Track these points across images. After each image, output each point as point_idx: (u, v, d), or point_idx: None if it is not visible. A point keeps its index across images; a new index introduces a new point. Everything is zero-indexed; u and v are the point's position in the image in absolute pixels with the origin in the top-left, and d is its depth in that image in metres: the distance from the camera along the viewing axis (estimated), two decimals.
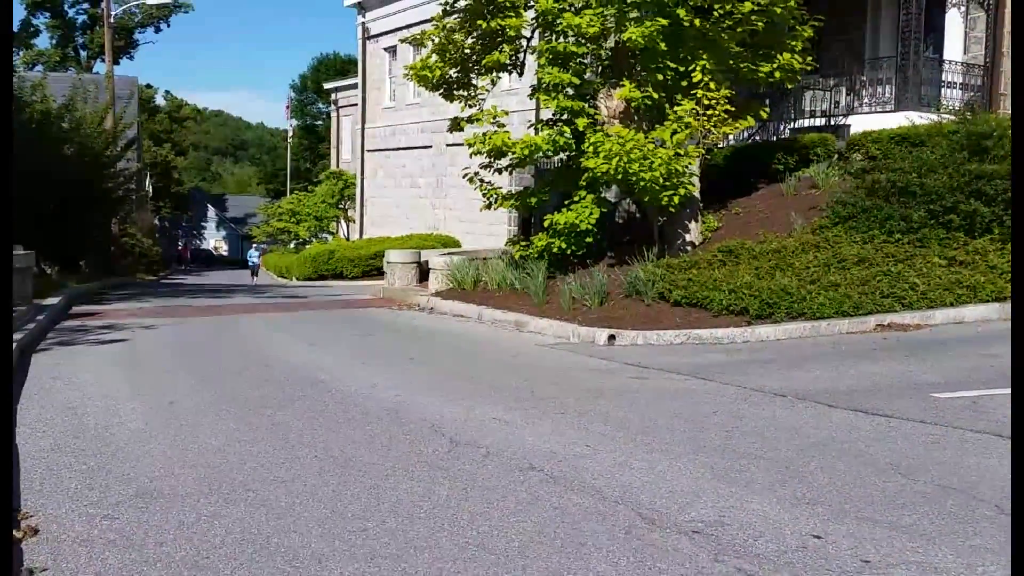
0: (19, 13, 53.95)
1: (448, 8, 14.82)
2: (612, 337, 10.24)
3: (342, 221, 35.15)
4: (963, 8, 16.90)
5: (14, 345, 9.05)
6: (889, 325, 10.03)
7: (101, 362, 9.02)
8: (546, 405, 6.80)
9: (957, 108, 15.51)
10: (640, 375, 8.17)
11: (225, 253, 72.28)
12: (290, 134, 59.40)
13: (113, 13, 37.09)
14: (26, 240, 16.32)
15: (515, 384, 7.74)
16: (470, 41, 14.61)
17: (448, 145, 25.57)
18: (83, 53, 56.94)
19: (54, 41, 55.84)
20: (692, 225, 13.65)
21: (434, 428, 6.02)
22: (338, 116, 39.92)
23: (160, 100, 70.66)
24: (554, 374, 8.38)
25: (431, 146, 28.27)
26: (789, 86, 14.70)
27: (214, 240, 76.15)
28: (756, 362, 8.62)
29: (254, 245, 40.57)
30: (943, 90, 16.50)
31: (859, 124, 16.21)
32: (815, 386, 7.33)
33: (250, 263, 37.58)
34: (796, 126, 17.50)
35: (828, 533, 3.99)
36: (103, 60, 35.79)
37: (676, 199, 12.42)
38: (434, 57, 14.60)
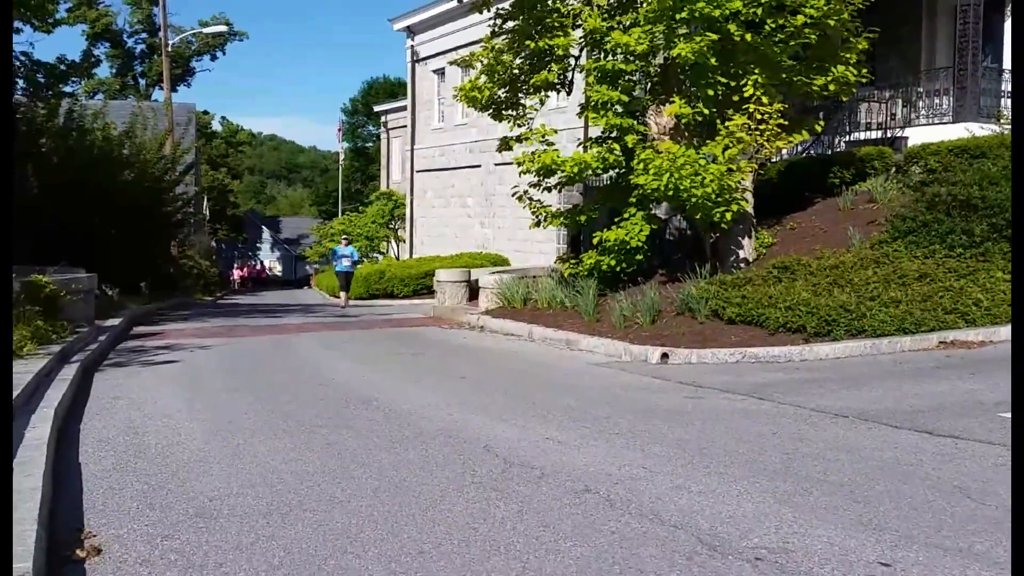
0: (80, 44, 55.81)
1: (496, 29, 14.94)
2: (665, 355, 10.12)
3: (392, 241, 35.46)
4: None
5: (77, 365, 9.29)
6: (952, 342, 9.76)
7: (161, 382, 9.17)
8: (600, 425, 6.73)
9: None
10: (695, 394, 8.05)
11: (279, 274, 73.46)
12: (341, 156, 60.33)
13: (170, 43, 38.19)
14: (89, 263, 16.78)
15: (567, 403, 7.68)
16: (518, 61, 14.69)
17: (496, 164, 25.68)
18: (142, 81, 58.69)
19: (114, 70, 57.75)
20: (745, 241, 13.47)
21: (487, 448, 5.99)
22: (388, 138, 40.40)
23: (217, 126, 72.45)
24: (607, 393, 8.30)
25: (480, 165, 28.43)
26: (844, 99, 14.48)
27: (268, 261, 77.50)
28: (815, 381, 8.43)
29: (344, 239, 28.06)
30: (1003, 100, 16.12)
31: (917, 136, 15.89)
32: (877, 406, 7.14)
33: (338, 270, 24.99)
34: (852, 139, 17.22)
35: (896, 560, 3.86)
36: (161, 88, 36.76)
37: (729, 215, 12.29)
38: (483, 78, 14.70)
